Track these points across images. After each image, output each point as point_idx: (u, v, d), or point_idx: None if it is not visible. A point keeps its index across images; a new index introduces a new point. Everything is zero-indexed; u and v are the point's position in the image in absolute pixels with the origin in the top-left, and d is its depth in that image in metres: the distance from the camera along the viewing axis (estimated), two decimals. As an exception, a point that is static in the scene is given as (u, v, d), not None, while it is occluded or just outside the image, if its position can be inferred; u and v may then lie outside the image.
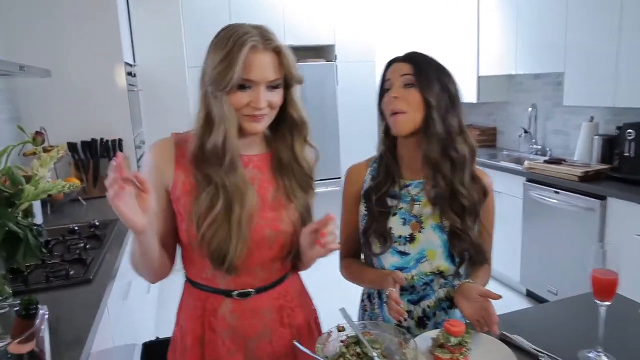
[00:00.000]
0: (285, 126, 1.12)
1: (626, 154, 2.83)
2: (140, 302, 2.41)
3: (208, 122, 1.02)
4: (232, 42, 0.97)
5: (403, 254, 1.23)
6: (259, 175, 1.12)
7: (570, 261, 3.00)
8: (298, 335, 1.17)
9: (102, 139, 2.85)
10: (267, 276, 1.13)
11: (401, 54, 1.24)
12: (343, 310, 1.07)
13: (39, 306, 0.67)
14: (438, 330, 1.07)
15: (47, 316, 0.68)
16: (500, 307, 1.13)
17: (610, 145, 3.10)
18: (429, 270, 1.22)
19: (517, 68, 3.61)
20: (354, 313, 1.40)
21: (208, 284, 1.11)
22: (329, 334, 1.02)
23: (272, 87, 1.03)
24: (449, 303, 1.26)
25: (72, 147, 2.77)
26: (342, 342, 1.01)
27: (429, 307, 1.25)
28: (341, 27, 4.49)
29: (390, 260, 1.23)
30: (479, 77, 4.04)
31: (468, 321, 1.12)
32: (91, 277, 1.54)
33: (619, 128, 2.96)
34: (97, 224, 2.11)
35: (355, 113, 4.44)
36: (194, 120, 1.05)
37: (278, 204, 1.11)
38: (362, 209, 1.29)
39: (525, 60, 3.54)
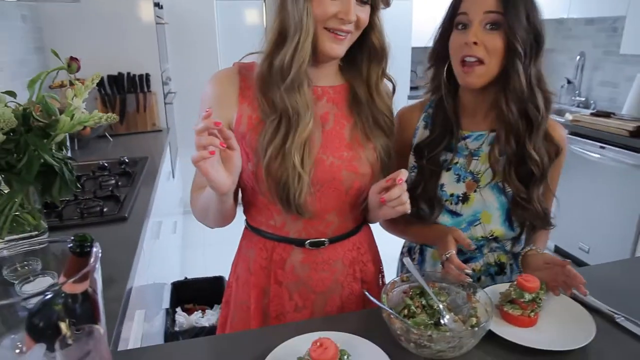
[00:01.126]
0: (364, 55, 0.97)
1: (684, 109, 2.63)
2: (167, 242, 2.40)
3: (280, 36, 0.89)
4: None
5: (454, 213, 1.10)
6: (334, 110, 0.99)
7: (607, 219, 2.88)
8: (368, 291, 1.09)
9: (128, 73, 2.74)
10: (342, 225, 1.03)
11: None
12: (407, 260, 0.99)
13: (93, 243, 0.59)
14: (507, 284, 0.98)
15: (100, 255, 0.60)
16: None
17: (666, 99, 2.89)
18: (481, 234, 1.10)
19: (570, 11, 3.34)
20: (393, 266, 1.32)
21: (276, 232, 1.01)
22: (393, 283, 0.94)
23: (362, 1, 0.88)
24: (497, 269, 1.15)
25: (98, 81, 2.67)
26: (404, 292, 0.94)
27: (474, 270, 1.13)
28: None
29: (438, 219, 1.11)
30: (523, 21, 3.76)
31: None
32: (126, 215, 1.48)
33: (678, 80, 2.74)
34: (127, 160, 2.04)
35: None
36: (262, 40, 0.92)
37: (355, 142, 0.99)
38: (411, 161, 1.14)
39: (580, 2, 3.25)
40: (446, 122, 1.09)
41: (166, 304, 2.11)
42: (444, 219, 1.11)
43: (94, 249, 0.60)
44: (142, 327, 1.35)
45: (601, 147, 2.87)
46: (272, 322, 1.04)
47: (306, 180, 0.91)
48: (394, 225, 1.20)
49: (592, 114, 3.04)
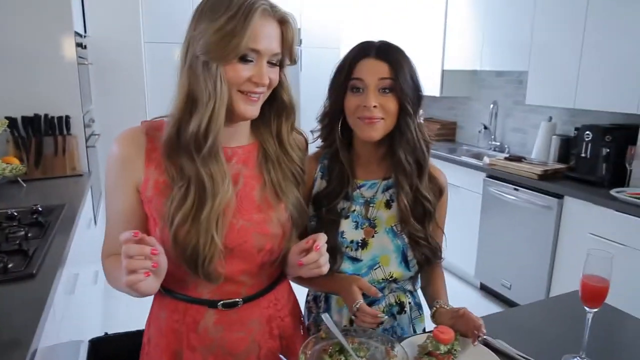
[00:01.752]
0: (272, 111, 1.00)
1: (582, 155, 2.91)
2: (86, 295, 2.23)
3: (190, 102, 0.88)
4: (236, 6, 0.84)
5: (355, 259, 1.15)
6: (243, 171, 0.99)
7: (525, 257, 3.08)
8: (287, 347, 1.07)
9: (46, 115, 2.60)
10: (256, 284, 1.02)
11: (368, 39, 1.12)
12: (325, 316, 0.99)
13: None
14: (425, 336, 1.01)
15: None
16: (456, 302, 1.16)
17: (567, 145, 3.19)
18: (381, 276, 1.16)
19: (482, 64, 3.64)
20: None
21: (188, 293, 0.98)
22: (311, 341, 0.94)
23: (272, 62, 0.91)
24: (398, 308, 1.20)
25: (11, 122, 2.51)
26: (323, 350, 0.93)
27: None
28: (307, 11, 4.36)
29: (340, 266, 1.15)
30: (442, 71, 4.05)
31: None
32: (34, 272, 1.37)
33: (576, 129, 3.04)
34: (40, 209, 1.91)
35: (319, 101, 4.31)
36: (170, 103, 0.90)
37: (266, 204, 0.99)
38: (311, 210, 1.18)
39: (490, 56, 3.57)
40: (342, 173, 1.16)
41: (81, 364, 1.94)
42: (345, 265, 1.15)
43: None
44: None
45: (515, 189, 3.09)
46: None
47: (219, 247, 0.90)
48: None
49: (505, 158, 3.29)
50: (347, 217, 1.16)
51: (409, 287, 1.22)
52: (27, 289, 1.31)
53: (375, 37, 1.14)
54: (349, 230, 1.15)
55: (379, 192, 1.18)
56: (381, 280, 1.16)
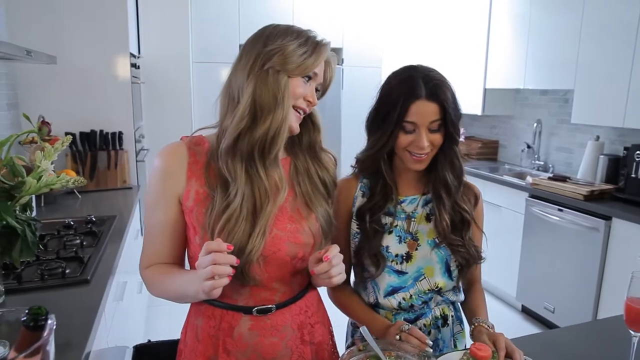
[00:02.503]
0: (305, 129, 1.08)
1: (632, 175, 2.81)
2: (133, 302, 2.34)
3: (252, 112, 0.96)
4: (307, 36, 0.98)
5: (400, 272, 1.19)
6: None
7: (569, 279, 2.97)
8: (316, 353, 1.11)
9: (101, 131, 2.77)
10: (288, 290, 1.07)
11: (410, 61, 1.17)
12: (363, 329, 1.01)
13: (48, 316, 0.60)
14: (462, 353, 1.01)
15: (54, 327, 0.61)
16: (496, 323, 1.16)
17: (615, 165, 3.08)
18: (427, 287, 1.19)
19: (525, 82, 3.59)
20: (343, 330, 1.36)
21: (224, 300, 1.03)
22: (350, 352, 0.96)
23: (317, 88, 1.03)
24: (442, 321, 1.23)
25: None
26: (360, 362, 0.96)
27: (425, 325, 1.21)
28: (349, 30, 4.44)
29: (386, 279, 1.19)
30: (485, 89, 4.01)
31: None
32: (88, 278, 1.46)
33: (626, 148, 2.94)
34: (94, 219, 2.03)
35: (359, 119, 4.35)
36: (233, 115, 0.97)
37: (297, 214, 1.05)
38: (354, 227, 1.22)
39: (534, 75, 3.51)
40: (386, 190, 1.20)
41: (126, 369, 2.03)
42: (391, 279, 1.18)
43: (49, 321, 0.61)
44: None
45: (559, 209, 3.00)
46: None
47: (259, 253, 0.97)
48: (338, 301, 1.27)
49: (549, 178, 3.21)
50: (390, 232, 1.19)
51: (453, 297, 1.24)
52: (82, 294, 1.40)
53: (416, 59, 1.17)
54: (393, 244, 1.19)
55: (419, 207, 1.21)
56: (427, 291, 1.19)
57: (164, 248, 1.04)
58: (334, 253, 0.94)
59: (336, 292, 1.27)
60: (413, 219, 1.20)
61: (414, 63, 1.16)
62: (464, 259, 1.18)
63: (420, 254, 1.19)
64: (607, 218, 2.70)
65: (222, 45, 3.98)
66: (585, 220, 2.83)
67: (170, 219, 1.02)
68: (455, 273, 1.20)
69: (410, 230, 1.20)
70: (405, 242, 1.19)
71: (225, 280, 0.86)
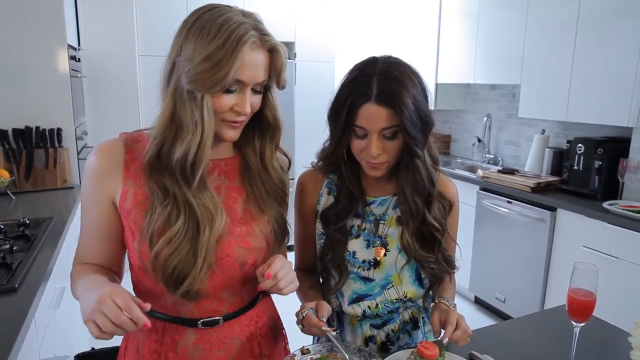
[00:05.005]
0: (257, 128, 0.98)
1: (575, 167, 2.92)
2: (73, 309, 2.20)
3: (174, 124, 0.85)
4: (226, 35, 0.81)
5: (366, 279, 1.12)
6: (225, 183, 0.97)
7: (519, 270, 3.06)
8: None
9: (37, 127, 2.60)
10: (237, 300, 0.99)
11: (363, 54, 1.02)
12: (326, 329, 0.96)
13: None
14: (409, 351, 0.99)
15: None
16: None
17: (560, 158, 3.19)
18: (394, 297, 1.12)
19: (475, 77, 3.66)
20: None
21: (166, 312, 0.95)
22: (292, 357, 0.92)
23: (256, 90, 0.89)
24: (412, 324, 1.18)
25: (1, 134, 2.50)
26: (306, 366, 0.91)
27: (392, 331, 1.16)
28: (302, 24, 4.38)
29: (351, 286, 1.12)
30: (436, 84, 4.07)
31: (440, 338, 0.99)
32: (16, 285, 1.35)
33: (569, 142, 3.05)
34: (28, 222, 1.89)
35: (313, 115, 4.30)
36: (154, 119, 0.88)
37: (249, 216, 0.97)
38: (319, 228, 1.15)
39: (483, 70, 3.59)
40: (351, 192, 1.11)
41: (66, 380, 1.91)
42: (357, 285, 1.12)
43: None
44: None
45: (508, 201, 3.08)
46: None
47: (206, 270, 0.89)
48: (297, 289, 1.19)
49: (499, 171, 3.29)
50: (357, 236, 1.11)
51: (423, 303, 1.17)
52: (9, 303, 1.29)
53: (368, 54, 1.03)
54: (360, 249, 1.11)
55: (390, 209, 1.12)
56: (395, 300, 1.12)
57: (95, 249, 0.96)
58: (277, 267, 0.88)
59: (297, 272, 1.20)
60: (382, 222, 1.12)
61: (383, 54, 1.03)
62: (434, 275, 1.11)
63: (389, 260, 1.11)
64: (553, 209, 2.80)
65: (170, 38, 3.82)
66: (532, 212, 2.91)
67: (103, 221, 0.93)
68: (426, 281, 1.13)
69: (380, 233, 1.11)
70: (373, 247, 1.11)
71: (108, 338, 0.75)
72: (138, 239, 0.89)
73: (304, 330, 1.00)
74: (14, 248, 1.64)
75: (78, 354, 2.12)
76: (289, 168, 1.08)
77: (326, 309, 1.00)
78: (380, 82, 0.95)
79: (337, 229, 1.10)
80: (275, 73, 0.90)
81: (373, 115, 0.95)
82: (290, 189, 1.09)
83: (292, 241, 1.22)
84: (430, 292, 1.15)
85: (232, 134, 0.91)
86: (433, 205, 1.09)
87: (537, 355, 1.14)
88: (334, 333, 0.96)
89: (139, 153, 0.92)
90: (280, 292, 0.90)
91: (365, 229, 1.12)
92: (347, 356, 0.91)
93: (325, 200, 1.15)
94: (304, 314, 0.99)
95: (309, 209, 1.17)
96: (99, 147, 0.93)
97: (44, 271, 1.51)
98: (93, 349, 2.27)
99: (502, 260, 3.19)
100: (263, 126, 0.98)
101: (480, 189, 3.30)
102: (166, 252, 0.86)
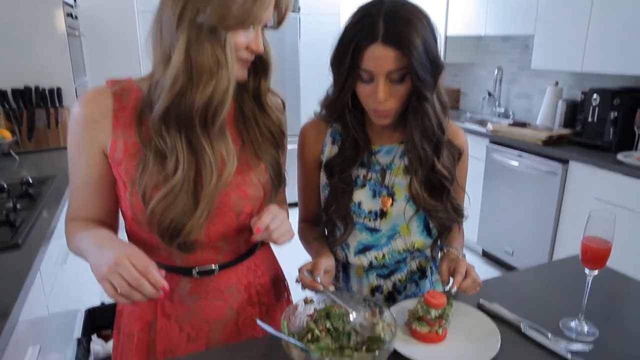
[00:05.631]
0: (251, 70, 0.92)
1: (589, 119, 2.82)
2: (81, 265, 2.22)
3: (188, 70, 0.79)
4: None
5: (373, 230, 1.09)
6: None
7: (527, 223, 3.03)
8: (268, 314, 1.04)
9: (37, 87, 2.55)
10: (233, 249, 0.97)
11: (378, 17, 0.89)
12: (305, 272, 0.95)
13: None
14: (415, 300, 0.97)
15: None
16: None
17: (573, 110, 3.09)
18: (402, 247, 1.09)
19: (487, 29, 3.51)
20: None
21: (160, 261, 0.93)
22: (295, 307, 0.90)
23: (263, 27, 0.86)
24: (420, 274, 1.15)
25: (1, 95, 2.46)
26: (309, 316, 0.90)
27: (399, 280, 1.13)
28: (305, -24, 4.21)
29: (357, 237, 1.09)
30: (446, 37, 3.92)
31: (449, 288, 0.97)
32: (19, 242, 1.34)
33: (583, 93, 2.94)
34: (31, 180, 1.87)
35: (318, 69, 4.18)
36: (165, 70, 0.80)
37: (245, 164, 0.93)
38: (323, 178, 1.11)
39: (495, 21, 3.43)
40: (356, 141, 1.06)
41: (78, 333, 1.95)
42: (363, 236, 1.09)
43: None
44: (34, 366, 1.21)
45: (519, 155, 3.01)
46: (159, 359, 0.96)
47: (204, 220, 0.86)
48: (303, 242, 1.17)
49: (509, 125, 3.20)
50: (363, 186, 1.07)
51: (431, 253, 1.15)
52: (12, 260, 1.28)
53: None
54: (366, 200, 1.07)
55: (397, 158, 1.08)
56: (402, 251, 1.09)
57: (88, 203, 0.93)
58: (267, 221, 0.85)
59: (302, 233, 1.18)
60: (389, 171, 1.08)
61: None
62: (443, 224, 1.08)
63: (396, 211, 1.07)
64: (565, 162, 2.73)
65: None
66: (543, 165, 2.85)
67: (93, 172, 0.89)
68: (435, 231, 1.10)
69: (386, 183, 1.07)
70: (379, 197, 1.07)
71: (128, 302, 0.74)
72: (129, 189, 0.86)
73: (304, 288, 0.98)
74: (18, 206, 1.62)
75: (89, 308, 2.17)
76: (284, 108, 1.02)
77: (323, 266, 0.97)
78: (387, 22, 0.88)
79: (342, 179, 1.06)
80: (280, 9, 0.86)
81: (380, 57, 0.89)
82: (293, 144, 1.05)
83: (295, 198, 1.19)
84: (439, 242, 1.12)
85: (244, 74, 0.88)
86: (442, 153, 1.04)
87: (548, 304, 1.12)
88: (332, 289, 0.93)
89: (128, 101, 0.88)
90: (275, 242, 0.88)
91: (371, 178, 1.08)
92: (349, 309, 0.89)
93: (329, 150, 1.10)
94: (297, 279, 0.97)
95: (313, 160, 1.12)
96: (84, 96, 0.88)
97: (47, 228, 1.50)
98: (103, 303, 2.31)
99: (511, 213, 3.15)
100: (258, 67, 0.92)
101: (490, 142, 3.23)
102: (162, 206, 0.83)
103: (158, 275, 0.73)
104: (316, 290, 0.94)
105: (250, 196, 0.93)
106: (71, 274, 1.89)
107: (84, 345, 1.94)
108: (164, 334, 0.96)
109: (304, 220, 1.22)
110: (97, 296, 2.46)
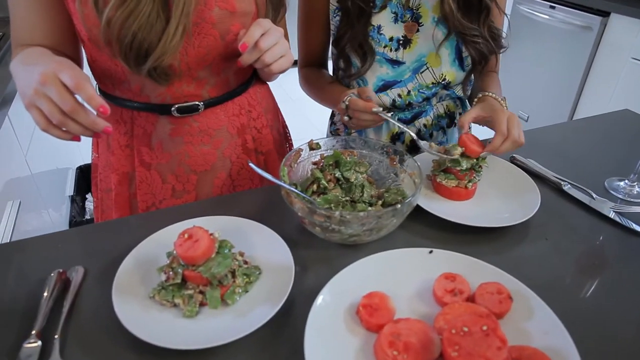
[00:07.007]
0: None
1: (641, -39, 2.42)
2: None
3: None
4: None
5: (395, 62, 0.89)
6: None
7: (549, 87, 2.80)
8: (266, 164, 0.89)
9: None
10: (220, 83, 0.78)
11: None
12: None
13: None
14: (441, 148, 0.79)
15: None
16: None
17: (622, -48, 2.65)
18: (430, 80, 0.91)
19: None
20: (322, 133, 1.12)
21: (132, 97, 0.76)
22: (298, 152, 0.74)
23: None
24: (448, 120, 0.99)
25: None
26: (314, 164, 0.74)
27: (425, 126, 0.97)
28: None
29: (377, 72, 0.90)
30: None
31: (483, 154, 0.77)
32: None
33: None
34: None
35: None
36: None
37: None
38: (333, 2, 0.89)
39: None
40: None
41: (70, 191, 1.87)
42: (383, 70, 0.91)
43: None
44: (13, 220, 1.12)
45: (551, 6, 2.66)
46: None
47: (180, 35, 0.65)
48: (310, 88, 0.99)
49: (544, -30, 2.78)
50: (384, 7, 0.87)
51: (461, 92, 0.98)
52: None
53: None
54: (386, 24, 0.87)
55: None
56: (431, 85, 0.92)
57: (32, 25, 0.72)
58: (256, 35, 0.64)
59: (307, 79, 1.00)
60: None
61: None
62: (480, 52, 0.88)
63: (423, 38, 0.88)
64: (605, 14, 2.40)
65: None
66: (578, 18, 2.52)
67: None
68: (468, 61, 0.91)
69: (410, 5, 0.87)
70: (402, 22, 0.87)
71: (67, 137, 0.60)
72: None
73: (351, 123, 0.82)
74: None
75: (80, 166, 2.07)
76: None
77: (371, 91, 0.80)
78: None
79: None
80: None
81: None
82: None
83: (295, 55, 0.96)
84: (472, 79, 0.95)
85: None
86: None
87: (588, 161, 0.96)
88: (390, 114, 0.78)
89: None
90: (267, 68, 0.68)
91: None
92: (413, 134, 0.76)
93: None
94: (346, 101, 0.79)
95: None
96: None
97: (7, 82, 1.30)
98: (94, 161, 2.19)
99: (531, 75, 2.90)
100: None
101: (519, -8, 2.85)
102: (121, 15, 0.63)
103: (93, 91, 0.55)
104: (367, 120, 0.79)
105: (238, 10, 0.71)
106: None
107: (77, 203, 1.87)
108: (145, 186, 0.82)
109: (305, 66, 1.02)
110: (89, 154, 2.36)
